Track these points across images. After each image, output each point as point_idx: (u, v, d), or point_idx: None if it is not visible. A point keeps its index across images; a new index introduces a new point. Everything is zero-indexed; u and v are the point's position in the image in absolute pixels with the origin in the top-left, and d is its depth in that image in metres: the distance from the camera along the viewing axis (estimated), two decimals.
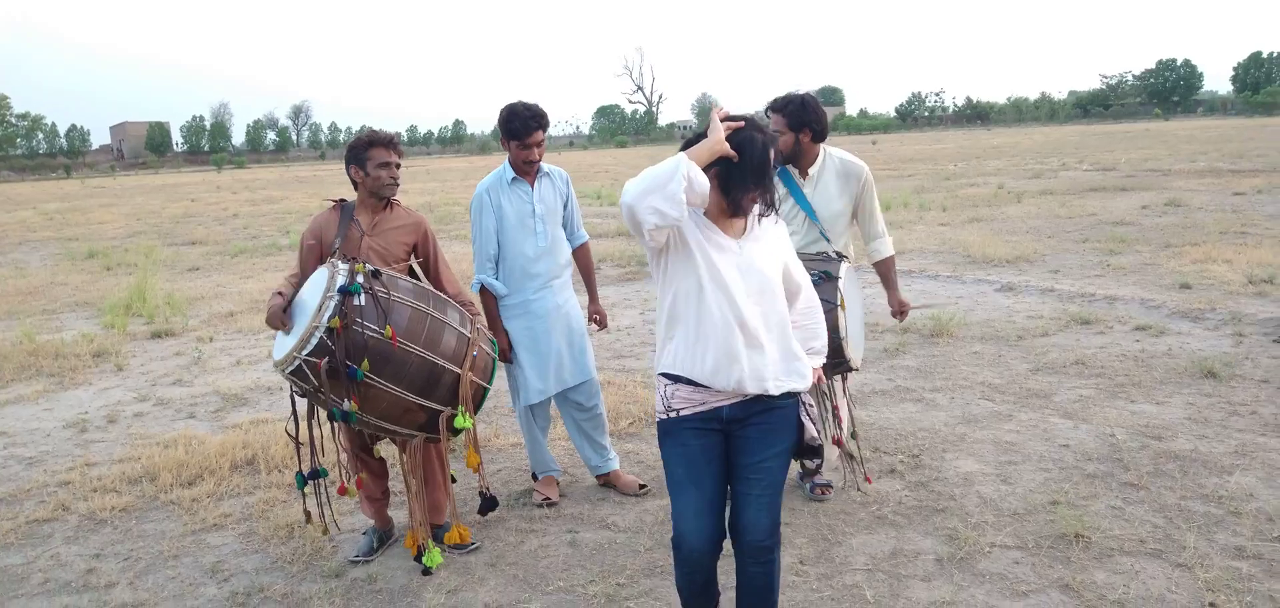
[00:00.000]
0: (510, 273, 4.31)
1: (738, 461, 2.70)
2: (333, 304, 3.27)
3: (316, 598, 3.59)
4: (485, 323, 3.94)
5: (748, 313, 2.61)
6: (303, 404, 3.67)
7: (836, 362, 3.77)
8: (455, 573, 3.77)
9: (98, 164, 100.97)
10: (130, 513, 4.51)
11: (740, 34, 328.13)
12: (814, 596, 3.47)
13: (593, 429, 4.54)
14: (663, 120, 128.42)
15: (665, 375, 2.72)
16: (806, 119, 4.13)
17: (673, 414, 2.71)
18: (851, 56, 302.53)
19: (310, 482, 3.64)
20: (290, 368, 3.31)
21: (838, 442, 4.02)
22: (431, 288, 3.72)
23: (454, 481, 4.04)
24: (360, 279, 3.35)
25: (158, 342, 8.64)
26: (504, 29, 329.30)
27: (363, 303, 3.32)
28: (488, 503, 3.89)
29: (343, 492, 3.69)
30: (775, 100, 4.26)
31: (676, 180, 2.44)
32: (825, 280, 3.77)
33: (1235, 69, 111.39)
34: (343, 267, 3.39)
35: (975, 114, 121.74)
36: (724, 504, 2.74)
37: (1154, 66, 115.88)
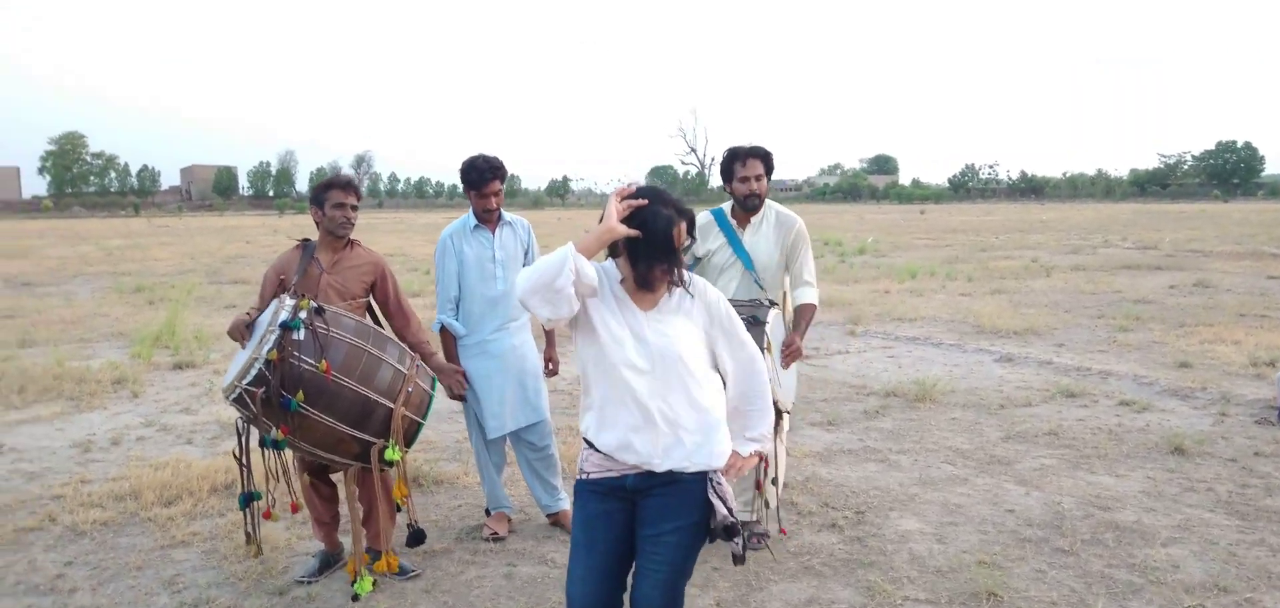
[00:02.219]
0: (469, 314, 4.57)
1: (638, 531, 2.68)
2: (273, 338, 3.53)
3: None
4: (426, 362, 4.18)
5: (648, 389, 2.59)
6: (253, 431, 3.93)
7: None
8: (390, 597, 3.98)
9: (165, 204, 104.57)
10: (109, 527, 4.81)
11: (795, 99, 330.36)
12: None
13: (544, 469, 4.74)
14: (714, 182, 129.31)
15: (585, 439, 2.75)
16: (772, 164, 4.41)
17: (582, 476, 2.75)
18: (906, 126, 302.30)
19: (250, 503, 3.89)
20: (232, 396, 3.57)
21: (759, 487, 4.16)
22: (375, 327, 3.97)
23: (399, 510, 4.26)
24: (302, 315, 3.62)
25: (178, 373, 9.04)
26: (561, 87, 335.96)
27: (301, 337, 3.58)
28: (415, 536, 4.09)
29: (268, 515, 3.92)
30: (754, 147, 4.45)
31: (564, 275, 2.45)
32: (753, 325, 3.95)
33: None
34: (289, 302, 3.66)
35: (1029, 188, 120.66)
36: (617, 572, 2.71)
37: (1213, 147, 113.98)
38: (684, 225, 2.64)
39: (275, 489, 3.79)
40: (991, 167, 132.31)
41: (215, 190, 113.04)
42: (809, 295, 4.54)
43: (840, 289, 15.43)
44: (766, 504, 4.44)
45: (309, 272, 4.09)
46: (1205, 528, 4.60)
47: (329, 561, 4.23)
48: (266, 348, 3.53)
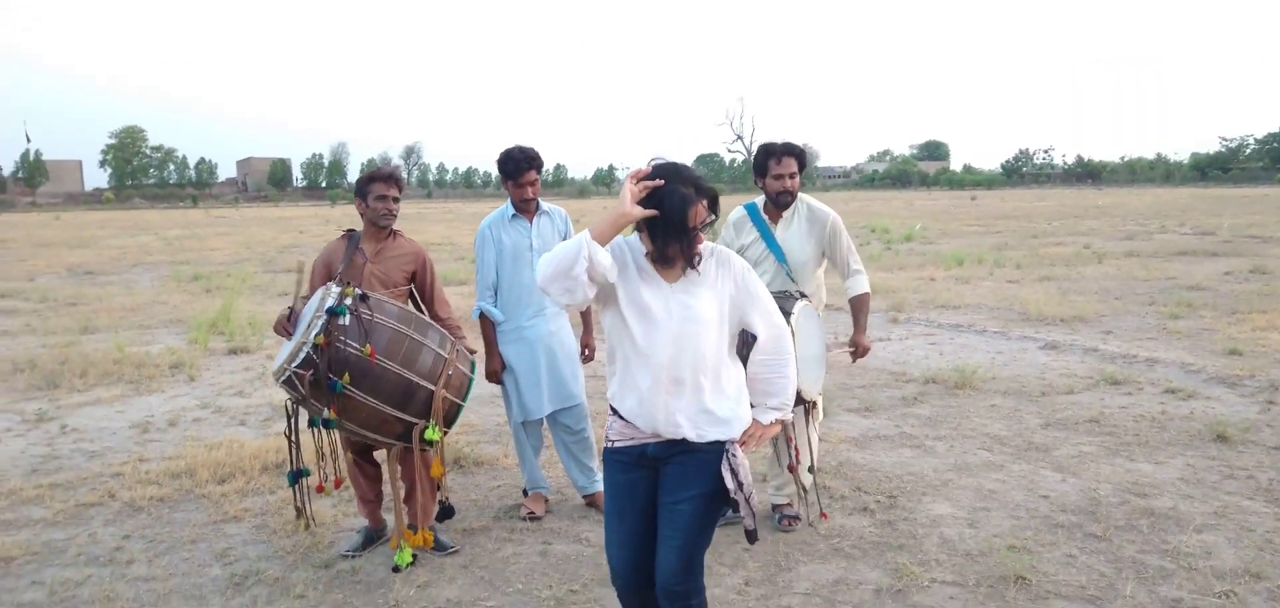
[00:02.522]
0: (507, 301, 4.70)
1: (659, 499, 2.76)
2: (320, 323, 3.69)
3: (302, 584, 3.99)
4: (467, 347, 4.31)
5: (668, 357, 2.65)
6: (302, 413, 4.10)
7: None
8: (430, 571, 4.12)
9: (222, 196, 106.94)
10: (165, 503, 5.03)
11: (844, 85, 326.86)
12: None
13: (580, 451, 4.86)
14: None
15: (611, 406, 2.84)
16: (805, 161, 4.50)
17: (609, 444, 2.83)
18: (958, 110, 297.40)
19: (299, 480, 4.06)
20: (282, 379, 3.74)
21: (792, 470, 4.22)
22: (417, 313, 4.11)
23: (438, 489, 4.40)
24: (347, 302, 3.77)
25: (232, 357, 9.33)
26: (607, 76, 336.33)
27: (347, 323, 3.73)
28: (445, 511, 4.25)
29: (320, 491, 4.08)
30: (788, 145, 4.52)
31: (579, 263, 2.53)
32: None
33: None
34: (335, 290, 3.82)
35: (1086, 173, 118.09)
36: (649, 538, 2.79)
37: (1278, 129, 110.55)
38: (704, 204, 2.66)
39: (323, 467, 3.94)
40: (1046, 151, 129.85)
41: (270, 182, 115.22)
42: (861, 284, 4.60)
43: (884, 276, 15.34)
44: (803, 490, 4.51)
45: (354, 261, 4.25)
46: (1242, 515, 4.56)
47: (372, 536, 4.39)
48: (314, 333, 3.68)
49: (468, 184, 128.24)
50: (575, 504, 4.95)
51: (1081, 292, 13.11)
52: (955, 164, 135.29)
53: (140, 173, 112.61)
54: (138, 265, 21.21)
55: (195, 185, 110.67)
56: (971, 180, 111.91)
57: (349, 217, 53.56)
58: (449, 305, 4.48)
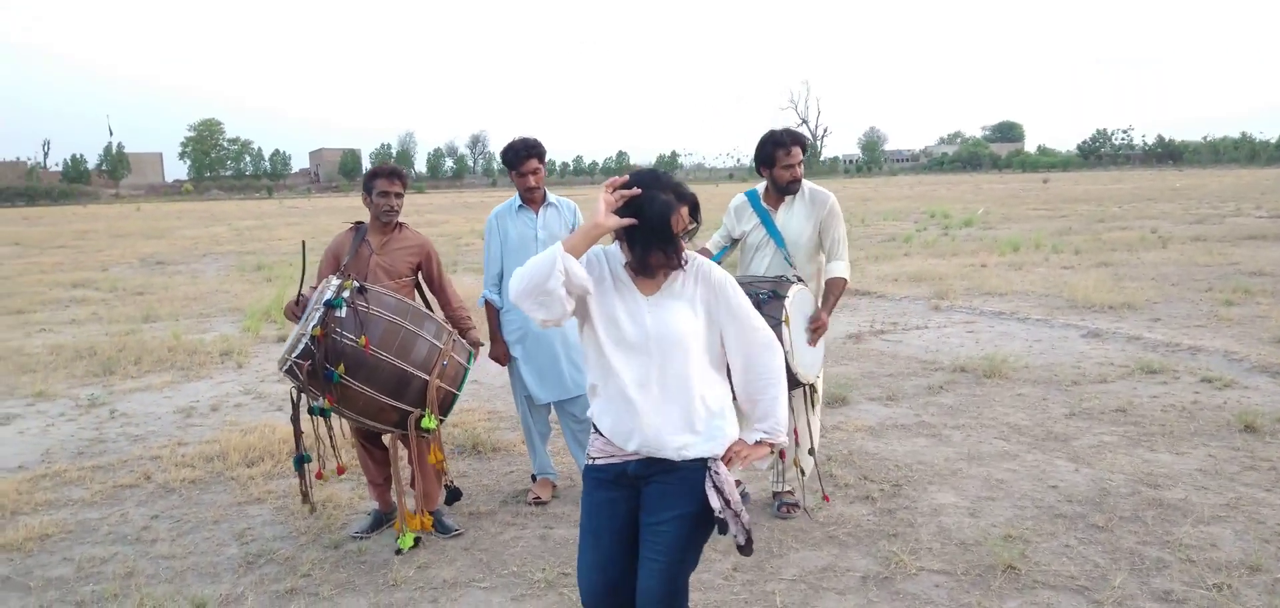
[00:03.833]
0: None
1: (641, 519, 2.65)
2: (318, 315, 3.85)
3: (310, 562, 4.18)
4: (473, 339, 4.45)
5: (645, 374, 2.56)
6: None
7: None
8: (431, 553, 4.28)
9: (296, 186, 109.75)
10: (197, 485, 5.29)
11: (913, 67, 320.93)
12: (731, 597, 3.76)
13: (586, 438, 4.96)
14: (826, 153, 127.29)
15: (592, 423, 2.74)
16: (808, 149, 4.55)
17: (590, 461, 2.73)
18: (1034, 90, 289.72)
19: (303, 465, 4.25)
20: (284, 368, 3.91)
21: (784, 455, 4.25)
22: (414, 305, 4.25)
23: (443, 474, 4.54)
24: (345, 294, 3.93)
25: (280, 345, 9.66)
26: (671, 62, 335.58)
27: (344, 315, 3.89)
28: (451, 494, 4.39)
29: (320, 476, 4.26)
30: (795, 134, 4.59)
31: (554, 277, 2.44)
32: (773, 299, 4.07)
33: None
34: (334, 282, 3.98)
35: (1166, 153, 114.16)
36: (624, 561, 2.67)
37: None
38: (685, 210, 2.54)
39: (323, 453, 4.11)
40: (1125, 131, 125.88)
41: (341, 172, 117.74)
42: (840, 270, 4.62)
43: (933, 263, 15.14)
44: (801, 473, 4.55)
45: (360, 252, 4.42)
46: (1255, 508, 4.47)
47: (381, 519, 4.57)
48: (311, 324, 3.85)
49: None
50: (581, 490, 5.05)
51: (1136, 278, 12.77)
52: (1030, 146, 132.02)
53: (218, 165, 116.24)
54: (207, 255, 21.98)
55: (270, 176, 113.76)
56: (1046, 162, 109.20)
57: (413, 204, 54.76)
58: (458, 297, 4.62)
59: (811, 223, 4.56)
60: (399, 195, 4.46)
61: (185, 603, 3.76)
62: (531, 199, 4.81)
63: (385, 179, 4.42)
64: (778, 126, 4.65)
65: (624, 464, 2.65)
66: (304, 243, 4.60)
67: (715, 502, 2.56)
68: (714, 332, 2.66)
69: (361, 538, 4.44)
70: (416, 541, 4.29)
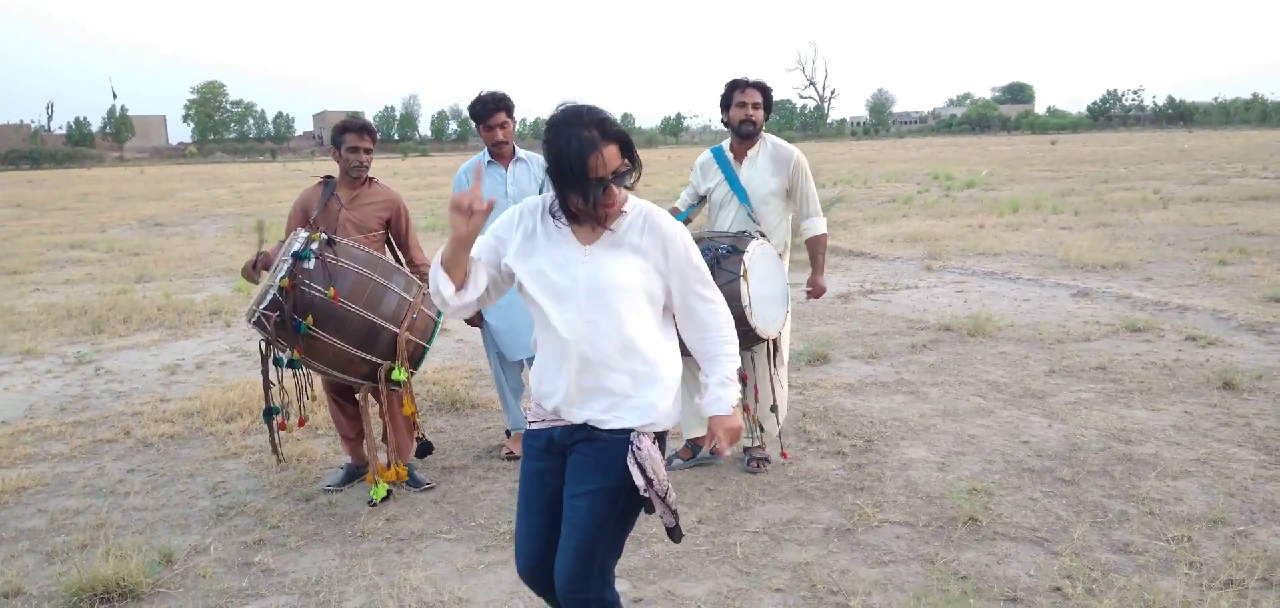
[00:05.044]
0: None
1: (564, 490, 2.45)
2: (285, 267, 3.86)
3: (279, 515, 4.22)
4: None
5: (571, 329, 2.33)
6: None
7: (743, 333, 4.04)
8: (401, 505, 4.31)
9: (300, 149, 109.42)
10: (175, 440, 5.33)
11: (922, 26, 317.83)
12: (693, 548, 3.78)
13: None
14: (834, 115, 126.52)
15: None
16: (771, 100, 4.57)
17: (528, 426, 2.54)
18: (1044, 51, 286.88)
19: (272, 418, 4.28)
20: (252, 319, 3.93)
21: (747, 409, 4.26)
22: (383, 258, 4.26)
23: (416, 427, 4.56)
24: (314, 246, 3.93)
25: None
26: (676, 22, 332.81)
27: (312, 267, 3.89)
28: (423, 448, 4.41)
29: (283, 427, 4.29)
30: (755, 80, 4.58)
31: (447, 291, 2.36)
32: (732, 254, 4.07)
33: None
34: (302, 234, 3.98)
35: (1177, 114, 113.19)
36: (552, 536, 2.47)
37: None
38: (611, 149, 2.24)
39: (287, 404, 4.14)
40: (1135, 92, 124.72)
41: None
42: (817, 226, 4.63)
43: (929, 224, 15.09)
44: (761, 429, 4.55)
45: (329, 206, 4.41)
46: (1224, 463, 4.47)
47: (354, 473, 4.60)
48: (279, 275, 3.86)
49: (536, 134, 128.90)
50: None
51: (1133, 238, 12.71)
52: (1040, 107, 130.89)
53: (221, 127, 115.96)
54: (207, 217, 22.02)
55: (273, 139, 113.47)
56: (1056, 124, 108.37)
57: (419, 168, 54.64)
58: (422, 252, 4.62)
59: (777, 179, 4.55)
60: (369, 151, 4.45)
61: (153, 553, 3.80)
62: (500, 154, 4.80)
63: (355, 134, 4.41)
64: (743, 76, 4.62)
65: (551, 430, 2.45)
66: (261, 222, 4.61)
67: (638, 479, 2.33)
68: (662, 288, 2.41)
69: (333, 491, 4.48)
70: (388, 493, 4.32)
